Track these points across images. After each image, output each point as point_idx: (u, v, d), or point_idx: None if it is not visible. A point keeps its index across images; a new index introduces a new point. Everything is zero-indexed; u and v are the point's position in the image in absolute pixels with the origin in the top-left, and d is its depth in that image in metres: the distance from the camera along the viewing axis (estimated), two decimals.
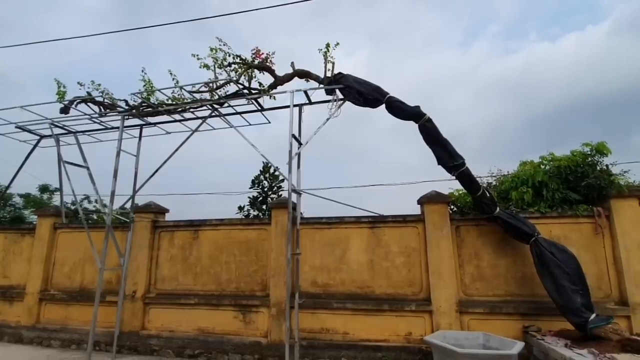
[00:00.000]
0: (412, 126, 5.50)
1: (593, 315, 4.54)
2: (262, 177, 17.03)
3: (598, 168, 5.71)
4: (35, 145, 7.59)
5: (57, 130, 7.05)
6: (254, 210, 16.32)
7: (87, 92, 6.61)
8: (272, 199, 15.86)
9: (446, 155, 5.35)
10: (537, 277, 5.07)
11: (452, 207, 6.42)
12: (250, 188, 16.92)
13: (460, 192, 6.34)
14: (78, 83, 6.52)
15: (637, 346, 4.09)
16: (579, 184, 5.68)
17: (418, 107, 5.42)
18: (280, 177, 16.52)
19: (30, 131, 7.31)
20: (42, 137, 7.53)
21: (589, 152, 5.79)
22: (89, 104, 6.74)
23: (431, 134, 5.39)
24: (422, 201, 6.12)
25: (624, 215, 5.38)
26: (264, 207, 15.99)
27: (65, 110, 6.77)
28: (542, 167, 6.08)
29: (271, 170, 16.84)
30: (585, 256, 5.34)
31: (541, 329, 5.14)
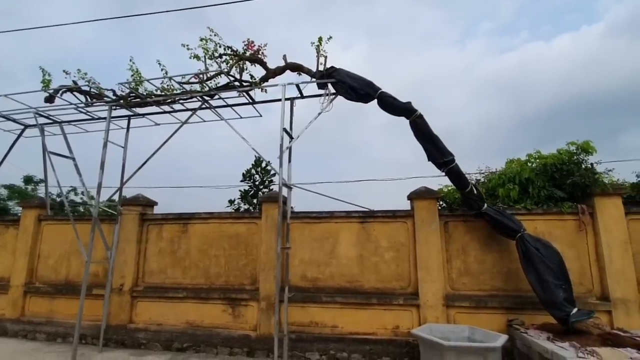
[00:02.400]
0: (407, 122, 5.52)
1: (575, 310, 4.65)
2: (253, 171, 16.93)
3: (583, 166, 5.83)
4: (19, 135, 7.41)
5: (41, 120, 6.88)
6: (245, 204, 16.24)
7: (73, 81, 6.45)
8: (263, 192, 15.79)
9: (436, 151, 5.39)
10: (522, 272, 5.17)
11: (441, 203, 6.49)
12: (241, 182, 16.81)
13: (449, 188, 6.41)
14: (64, 71, 6.36)
15: (617, 340, 4.21)
16: (564, 182, 5.79)
17: (409, 103, 5.44)
18: (272, 172, 16.46)
19: (14, 120, 7.12)
20: (26, 126, 7.35)
21: (575, 151, 5.90)
22: (74, 93, 6.58)
23: (422, 130, 5.42)
24: (411, 197, 6.16)
25: (607, 212, 5.51)
26: (255, 200, 15.92)
27: (50, 99, 6.60)
28: (529, 164, 6.17)
29: (263, 164, 16.76)
30: (569, 252, 5.47)
31: (525, 322, 5.25)
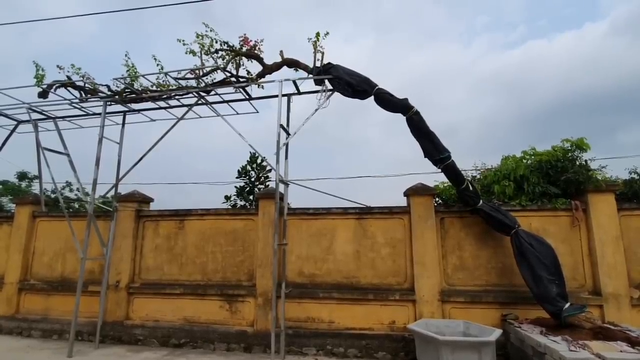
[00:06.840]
0: (404, 119, 5.52)
1: (567, 304, 4.73)
2: (249, 167, 16.84)
3: (577, 163, 5.89)
4: (12, 131, 7.32)
5: (35, 116, 6.81)
6: (241, 200, 16.17)
7: (67, 76, 6.37)
8: (259, 189, 15.75)
9: (432, 148, 5.42)
10: (516, 268, 5.24)
11: (437, 199, 6.53)
12: (236, 178, 16.72)
13: (445, 184, 6.45)
14: (57, 66, 6.28)
15: (609, 334, 4.29)
16: (558, 178, 5.85)
17: (406, 99, 5.45)
18: (268, 167, 16.41)
19: (7, 116, 7.04)
20: (19, 122, 7.26)
21: (569, 148, 5.96)
22: (69, 88, 6.51)
23: (418, 127, 5.44)
24: (408, 193, 6.20)
25: (600, 209, 5.58)
26: (251, 197, 15.87)
27: (43, 94, 6.53)
28: (524, 161, 6.23)
29: (258, 161, 16.69)
30: (562, 248, 5.54)
31: (518, 317, 5.33)
